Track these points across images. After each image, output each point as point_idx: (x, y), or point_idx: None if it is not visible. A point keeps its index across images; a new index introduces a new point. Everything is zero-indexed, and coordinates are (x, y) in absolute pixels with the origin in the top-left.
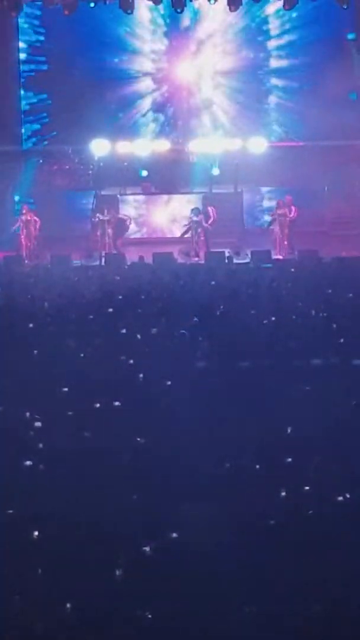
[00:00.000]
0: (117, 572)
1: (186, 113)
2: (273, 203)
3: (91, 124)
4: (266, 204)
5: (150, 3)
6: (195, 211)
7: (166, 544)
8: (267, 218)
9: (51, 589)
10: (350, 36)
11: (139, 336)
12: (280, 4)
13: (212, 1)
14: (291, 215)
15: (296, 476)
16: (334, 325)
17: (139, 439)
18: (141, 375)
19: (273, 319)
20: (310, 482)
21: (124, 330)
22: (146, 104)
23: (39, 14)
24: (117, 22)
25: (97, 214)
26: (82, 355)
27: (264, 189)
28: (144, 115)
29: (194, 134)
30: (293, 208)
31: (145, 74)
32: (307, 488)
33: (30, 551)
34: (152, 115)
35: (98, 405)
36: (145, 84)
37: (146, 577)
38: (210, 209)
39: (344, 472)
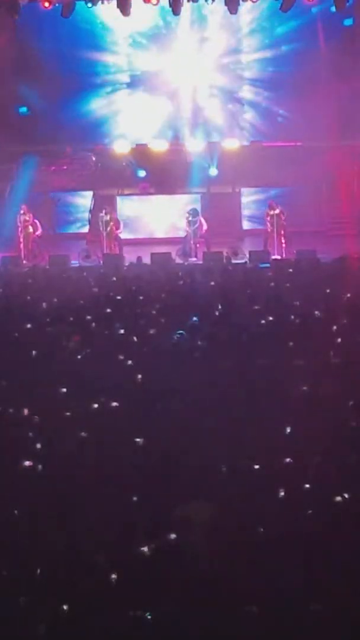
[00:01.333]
0: (116, 574)
1: (183, 113)
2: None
3: (88, 126)
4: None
5: (148, 4)
6: (193, 212)
7: (165, 544)
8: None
9: (49, 589)
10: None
11: (135, 338)
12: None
13: (210, 2)
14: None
15: (296, 476)
16: (334, 326)
17: (138, 440)
18: (139, 376)
19: (271, 318)
20: (309, 483)
21: (122, 331)
22: (143, 103)
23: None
24: (114, 22)
25: (101, 213)
26: (79, 356)
27: (261, 190)
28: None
29: (191, 134)
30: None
31: (141, 75)
32: (306, 488)
33: (28, 552)
34: (148, 116)
35: (96, 405)
36: (141, 85)
37: (145, 578)
38: (200, 219)
39: (343, 472)
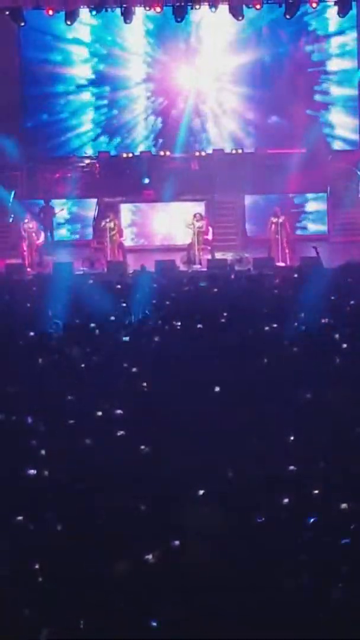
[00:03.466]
0: (121, 579)
1: (187, 120)
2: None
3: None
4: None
5: (150, 11)
6: (199, 216)
7: (169, 550)
8: None
9: (53, 595)
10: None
11: (140, 344)
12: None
13: (213, 9)
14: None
15: (299, 483)
16: (337, 332)
17: (142, 447)
18: (144, 384)
19: (275, 325)
20: (313, 490)
21: (126, 338)
22: (147, 111)
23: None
24: (114, 29)
25: (103, 221)
26: (83, 365)
27: (266, 196)
28: (145, 122)
29: (195, 141)
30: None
31: (143, 81)
32: (309, 495)
33: (33, 558)
34: (153, 123)
35: (100, 413)
36: (143, 92)
37: (149, 584)
38: (206, 224)
39: (347, 480)
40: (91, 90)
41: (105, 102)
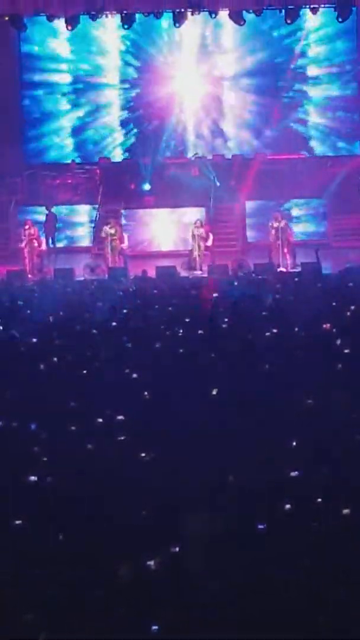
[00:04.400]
0: (122, 584)
1: (188, 126)
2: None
3: (92, 140)
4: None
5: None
6: (198, 223)
7: (170, 557)
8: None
9: (53, 602)
10: None
11: (141, 349)
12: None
13: (213, 15)
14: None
15: (299, 489)
16: (338, 337)
17: (143, 455)
18: (146, 393)
19: (275, 331)
20: (315, 496)
21: (129, 345)
22: (144, 117)
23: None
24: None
25: (104, 227)
26: (85, 371)
27: (268, 202)
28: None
29: (196, 147)
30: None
31: (138, 87)
32: (313, 501)
33: (33, 564)
34: (151, 130)
35: (102, 420)
36: (139, 98)
37: (149, 591)
38: (206, 230)
39: (349, 486)
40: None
41: (95, 107)
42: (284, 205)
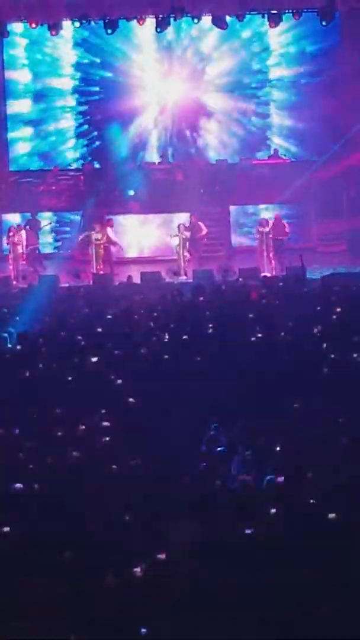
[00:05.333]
0: (110, 590)
1: (174, 131)
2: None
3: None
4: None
5: (134, 23)
6: (182, 228)
7: (157, 563)
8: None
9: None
10: None
11: (128, 356)
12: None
13: (196, 20)
14: (286, 232)
15: (290, 493)
16: (324, 342)
17: (133, 462)
18: (131, 399)
19: (260, 335)
20: (301, 500)
21: (117, 352)
22: (129, 121)
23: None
24: (109, 41)
25: (91, 233)
26: (70, 378)
27: (252, 207)
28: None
29: (182, 153)
30: (284, 224)
31: (127, 92)
32: (298, 505)
33: (24, 571)
34: (135, 134)
35: (87, 425)
36: (135, 104)
37: (138, 595)
38: (200, 222)
39: (335, 489)
40: (76, 99)
41: (86, 112)
42: (268, 210)
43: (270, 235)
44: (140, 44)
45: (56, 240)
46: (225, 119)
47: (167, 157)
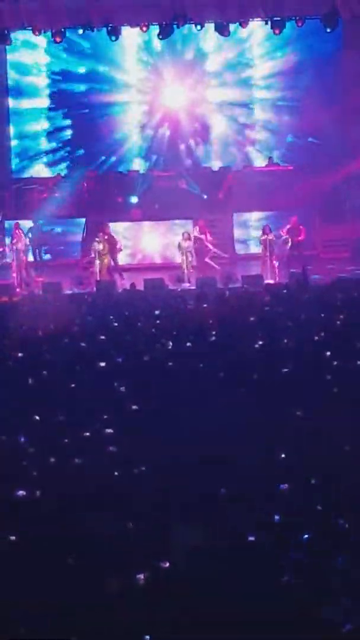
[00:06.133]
0: (111, 599)
1: (175, 139)
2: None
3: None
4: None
5: (137, 30)
6: (186, 236)
7: (160, 571)
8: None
9: (46, 615)
10: None
11: (131, 363)
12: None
13: (199, 27)
14: (299, 238)
15: (291, 501)
16: (328, 349)
17: (136, 470)
18: (135, 407)
19: (261, 342)
20: (304, 508)
21: (119, 360)
22: (133, 129)
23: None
24: (107, 49)
25: (93, 243)
26: (73, 385)
27: (255, 214)
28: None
29: (183, 160)
30: (301, 229)
31: (134, 101)
32: (301, 513)
33: (24, 578)
34: (140, 142)
35: (90, 433)
36: (134, 111)
37: (140, 604)
38: (202, 230)
39: (338, 497)
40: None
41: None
42: (272, 216)
43: (288, 241)
44: (142, 51)
45: (60, 246)
46: (224, 127)
47: (168, 165)
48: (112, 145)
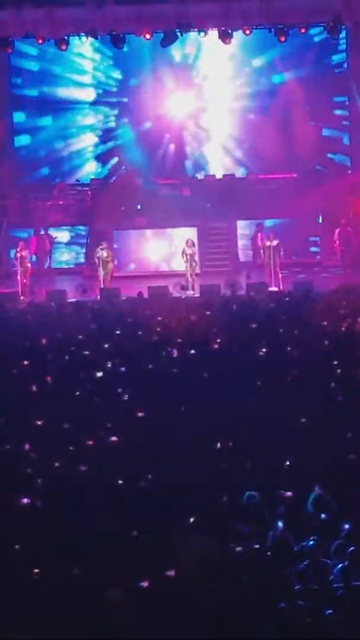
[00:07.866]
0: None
1: (179, 147)
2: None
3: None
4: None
5: (140, 37)
6: (190, 243)
7: (163, 578)
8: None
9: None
10: None
11: (135, 371)
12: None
13: (202, 34)
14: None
15: (292, 508)
16: (331, 357)
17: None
18: (140, 414)
19: (264, 350)
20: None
21: (123, 369)
22: (138, 137)
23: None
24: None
25: (98, 248)
26: (78, 392)
27: (258, 222)
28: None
29: (188, 167)
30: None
31: (133, 107)
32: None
33: (29, 587)
34: (145, 149)
35: (95, 441)
36: (132, 118)
37: (143, 610)
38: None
39: (342, 504)
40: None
41: (95, 127)
42: (274, 224)
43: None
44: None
45: (64, 255)
46: (227, 135)
47: (171, 173)
48: (114, 152)
